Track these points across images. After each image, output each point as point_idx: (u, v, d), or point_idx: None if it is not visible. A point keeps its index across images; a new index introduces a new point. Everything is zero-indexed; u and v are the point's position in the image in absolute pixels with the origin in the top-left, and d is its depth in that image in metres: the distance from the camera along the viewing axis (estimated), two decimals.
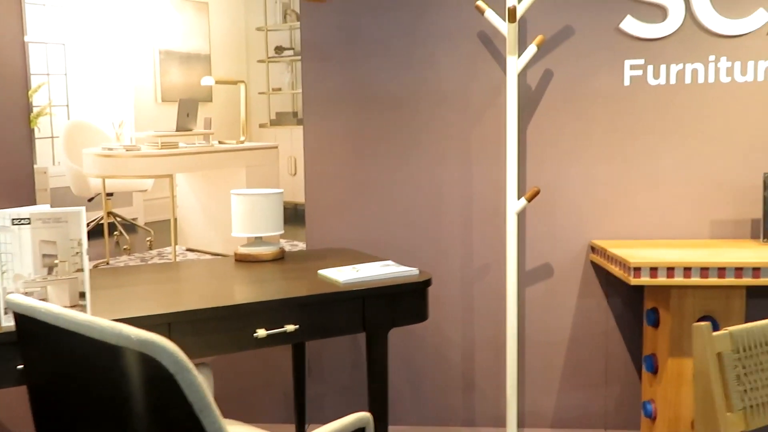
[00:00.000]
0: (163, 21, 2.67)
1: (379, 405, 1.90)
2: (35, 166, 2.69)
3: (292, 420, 2.71)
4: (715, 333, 1.35)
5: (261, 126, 2.74)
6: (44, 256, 1.47)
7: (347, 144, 2.72)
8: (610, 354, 2.72)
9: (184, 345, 1.60)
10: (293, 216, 2.77)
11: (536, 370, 2.76)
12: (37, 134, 2.68)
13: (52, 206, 2.69)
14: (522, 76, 2.62)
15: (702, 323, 1.34)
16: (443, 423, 2.81)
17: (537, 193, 2.38)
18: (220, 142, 2.74)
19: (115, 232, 2.75)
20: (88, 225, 2.72)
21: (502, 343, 2.75)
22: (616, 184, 2.64)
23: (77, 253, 1.50)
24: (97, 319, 1.03)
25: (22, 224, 1.45)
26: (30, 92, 2.67)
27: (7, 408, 2.62)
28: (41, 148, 2.69)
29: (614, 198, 2.65)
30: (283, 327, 1.74)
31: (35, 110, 2.67)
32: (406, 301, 1.94)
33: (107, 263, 2.74)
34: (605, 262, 2.48)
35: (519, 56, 2.42)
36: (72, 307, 1.51)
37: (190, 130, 2.73)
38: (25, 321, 1.21)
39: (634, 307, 2.67)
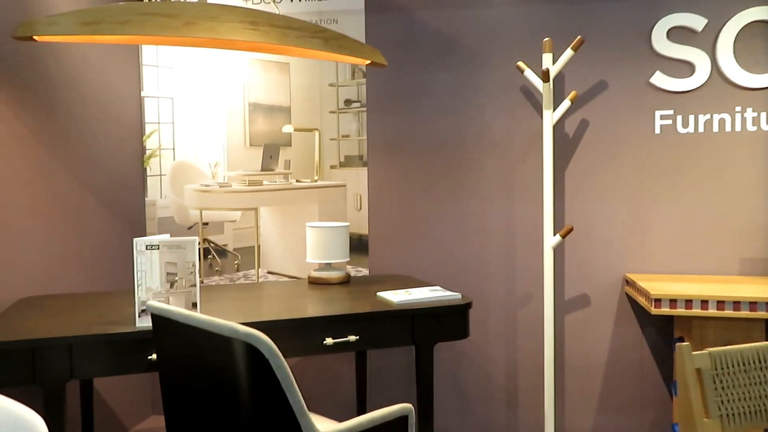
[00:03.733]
0: (252, 78, 3.19)
1: (425, 404, 2.25)
2: (146, 199, 3.24)
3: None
4: (695, 352, 1.64)
5: (332, 167, 3.19)
6: (168, 273, 1.94)
7: (405, 183, 3.13)
8: (644, 379, 2.95)
9: None
10: (358, 245, 3.18)
11: (575, 392, 3.02)
12: (148, 172, 3.24)
13: (158, 232, 3.23)
14: (560, 124, 2.95)
15: (683, 344, 1.63)
16: None
17: (570, 230, 2.69)
18: (297, 181, 3.21)
19: (209, 256, 3.25)
20: None
21: (542, 365, 3.04)
22: (648, 223, 2.91)
23: (192, 272, 1.95)
24: (214, 319, 1.45)
25: (153, 249, 1.92)
26: (144, 138, 3.23)
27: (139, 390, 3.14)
28: (152, 184, 3.24)
29: (647, 235, 2.91)
30: (346, 337, 2.13)
31: (148, 152, 3.23)
32: (449, 321, 2.30)
33: (202, 282, 3.24)
34: (635, 294, 2.74)
35: (554, 110, 2.75)
36: None
37: (273, 170, 3.22)
38: (159, 320, 1.66)
39: (666, 335, 2.90)
